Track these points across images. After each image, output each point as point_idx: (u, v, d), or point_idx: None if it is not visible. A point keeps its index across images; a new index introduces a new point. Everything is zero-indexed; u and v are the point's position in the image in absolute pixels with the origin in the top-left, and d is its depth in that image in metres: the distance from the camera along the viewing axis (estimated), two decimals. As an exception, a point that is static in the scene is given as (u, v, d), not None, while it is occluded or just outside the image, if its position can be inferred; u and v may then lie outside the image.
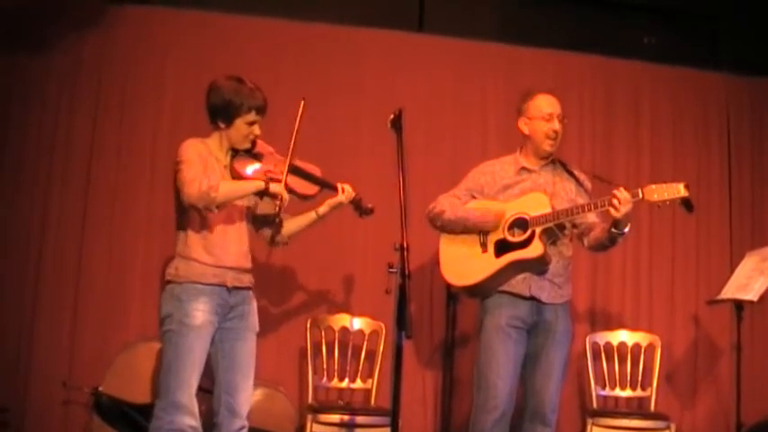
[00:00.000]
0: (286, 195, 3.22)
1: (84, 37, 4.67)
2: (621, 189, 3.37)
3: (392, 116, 3.09)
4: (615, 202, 3.34)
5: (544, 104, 3.63)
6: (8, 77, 4.58)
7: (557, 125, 3.61)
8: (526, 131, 3.67)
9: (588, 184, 3.74)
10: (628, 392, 4.70)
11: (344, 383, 4.49)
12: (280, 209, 3.23)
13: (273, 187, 3.20)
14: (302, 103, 3.36)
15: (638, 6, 5.41)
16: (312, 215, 3.51)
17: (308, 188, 3.38)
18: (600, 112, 5.21)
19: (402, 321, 2.79)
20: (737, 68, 5.40)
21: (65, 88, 4.64)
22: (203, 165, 3.18)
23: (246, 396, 3.27)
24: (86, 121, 4.64)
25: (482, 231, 3.59)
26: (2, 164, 4.56)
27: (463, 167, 3.97)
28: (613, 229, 3.45)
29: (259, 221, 3.45)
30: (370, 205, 3.56)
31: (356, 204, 3.53)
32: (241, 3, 4.90)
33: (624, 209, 3.35)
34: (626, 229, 3.47)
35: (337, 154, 4.74)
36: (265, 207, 3.40)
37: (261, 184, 3.18)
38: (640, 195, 3.36)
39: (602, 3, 5.37)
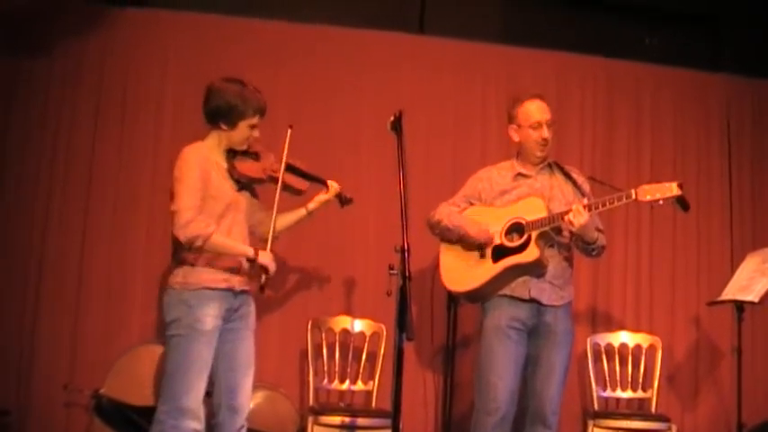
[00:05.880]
0: (273, 266, 3.24)
1: (86, 40, 4.67)
2: (577, 205, 3.41)
3: (392, 118, 3.09)
4: (570, 216, 3.39)
5: (532, 112, 3.63)
6: (10, 80, 4.58)
7: (545, 133, 3.62)
8: (516, 139, 3.70)
9: (587, 187, 3.73)
10: (629, 394, 4.70)
11: (345, 385, 4.49)
12: (266, 282, 3.24)
13: (262, 258, 3.22)
14: (289, 131, 3.41)
15: (638, 8, 5.41)
16: (302, 212, 3.56)
17: (302, 184, 3.49)
18: (601, 113, 5.20)
19: (403, 323, 2.79)
20: (738, 69, 5.40)
21: (66, 91, 4.64)
22: (203, 187, 3.16)
23: (247, 395, 3.29)
24: (88, 124, 4.64)
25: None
26: (4, 165, 4.56)
27: (464, 169, 3.96)
28: (580, 242, 3.54)
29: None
30: (349, 196, 3.65)
31: (339, 197, 3.62)
32: (241, 5, 4.90)
33: (578, 221, 3.38)
34: (597, 242, 3.55)
35: (338, 155, 4.74)
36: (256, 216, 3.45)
37: (250, 252, 3.21)
38: (633, 196, 3.38)
39: (603, 4, 5.36)
